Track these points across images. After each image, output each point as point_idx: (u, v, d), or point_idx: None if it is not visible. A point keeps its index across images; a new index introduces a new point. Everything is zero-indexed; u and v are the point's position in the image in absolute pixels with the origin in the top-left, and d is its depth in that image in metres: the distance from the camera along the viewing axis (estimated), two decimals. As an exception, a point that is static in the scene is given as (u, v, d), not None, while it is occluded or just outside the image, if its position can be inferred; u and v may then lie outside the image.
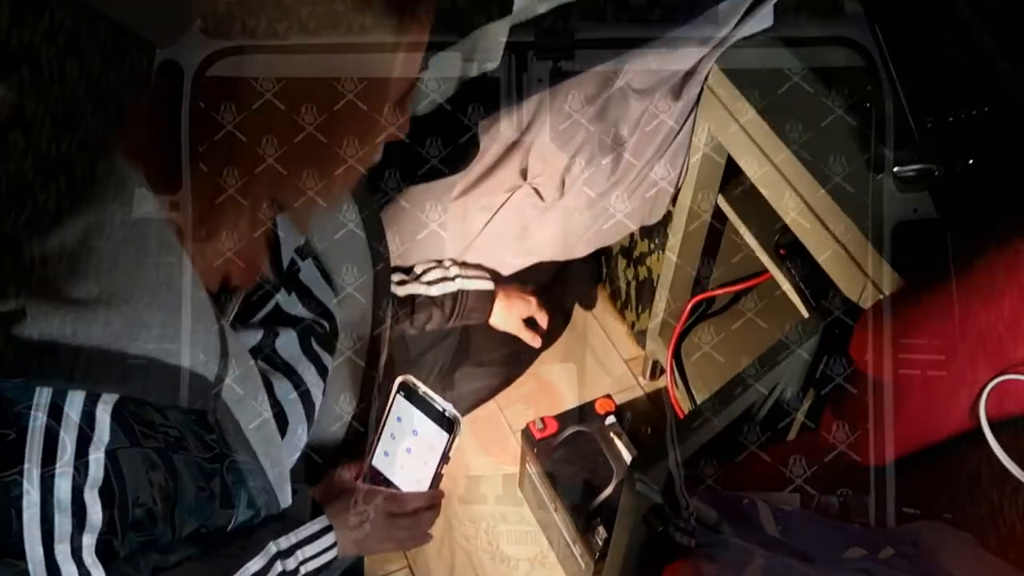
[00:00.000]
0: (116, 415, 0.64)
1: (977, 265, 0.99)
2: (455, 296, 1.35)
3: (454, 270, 1.37)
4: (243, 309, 0.81)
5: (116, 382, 0.63)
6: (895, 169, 1.10)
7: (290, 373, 0.84)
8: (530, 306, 1.49)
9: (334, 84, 0.63)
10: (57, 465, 0.63)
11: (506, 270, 1.46)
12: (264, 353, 0.82)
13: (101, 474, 0.64)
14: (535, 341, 1.50)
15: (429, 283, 1.34)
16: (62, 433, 0.62)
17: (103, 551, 0.65)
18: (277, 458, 0.77)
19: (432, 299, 1.33)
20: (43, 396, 0.62)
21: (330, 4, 0.61)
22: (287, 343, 0.85)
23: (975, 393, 1.03)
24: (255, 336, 0.82)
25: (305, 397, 0.86)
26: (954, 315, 0.98)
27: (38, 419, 0.62)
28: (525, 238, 1.39)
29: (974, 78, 1.17)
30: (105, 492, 0.65)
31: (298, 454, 0.89)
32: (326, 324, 0.91)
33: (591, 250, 1.51)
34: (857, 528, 1.04)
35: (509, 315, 1.44)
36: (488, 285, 1.39)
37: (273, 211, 0.82)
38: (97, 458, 0.64)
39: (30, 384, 0.62)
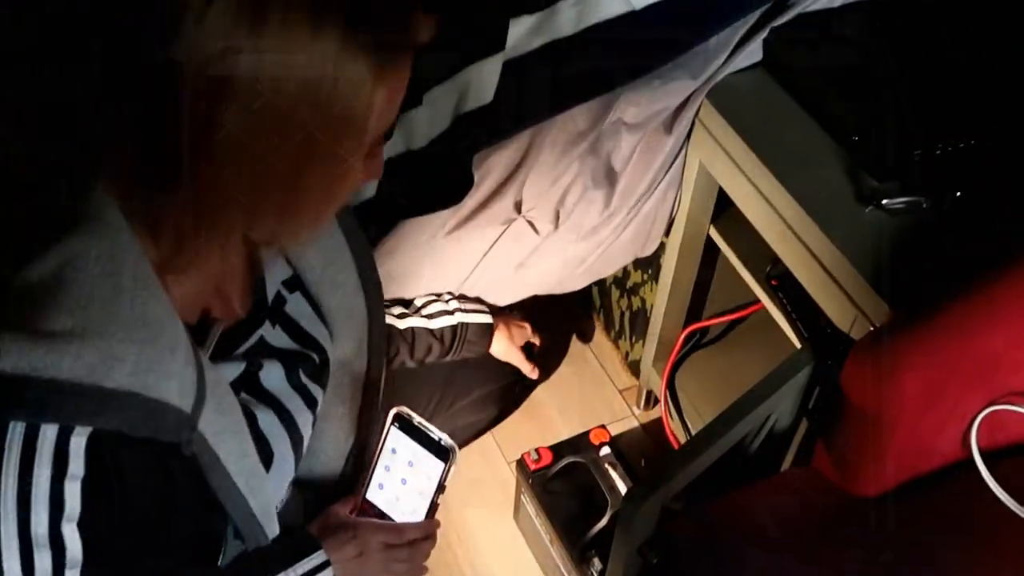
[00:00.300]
0: (91, 447, 0.64)
1: (967, 296, 1.00)
2: (455, 329, 1.36)
3: (453, 304, 1.38)
4: (225, 341, 0.81)
5: (90, 415, 0.63)
6: (884, 201, 1.11)
7: (275, 404, 0.84)
8: (525, 332, 1.50)
9: (307, 124, 0.64)
10: (32, 499, 0.62)
11: (503, 302, 1.47)
12: (247, 385, 0.82)
13: (78, 507, 0.64)
14: (533, 373, 1.52)
15: (429, 316, 1.35)
16: (36, 467, 0.62)
17: None
18: (260, 489, 0.77)
19: (431, 332, 1.34)
20: (16, 430, 0.62)
21: (313, 48, 0.61)
22: (272, 375, 0.85)
23: (966, 423, 1.04)
24: (237, 368, 0.81)
25: (291, 428, 0.85)
26: (945, 346, 0.98)
27: (12, 453, 0.61)
28: (521, 271, 1.40)
29: (960, 111, 1.19)
30: (83, 525, 0.64)
31: (287, 485, 0.89)
32: (315, 356, 0.91)
33: (587, 283, 1.52)
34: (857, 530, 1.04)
35: (509, 345, 1.45)
36: (487, 318, 1.40)
37: (249, 245, 0.82)
38: (73, 491, 0.63)
39: (3, 418, 0.62)
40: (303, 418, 0.88)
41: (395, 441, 0.93)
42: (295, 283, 0.91)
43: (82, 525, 0.64)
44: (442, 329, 1.35)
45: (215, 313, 0.79)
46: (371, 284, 0.96)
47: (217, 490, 0.72)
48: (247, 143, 0.63)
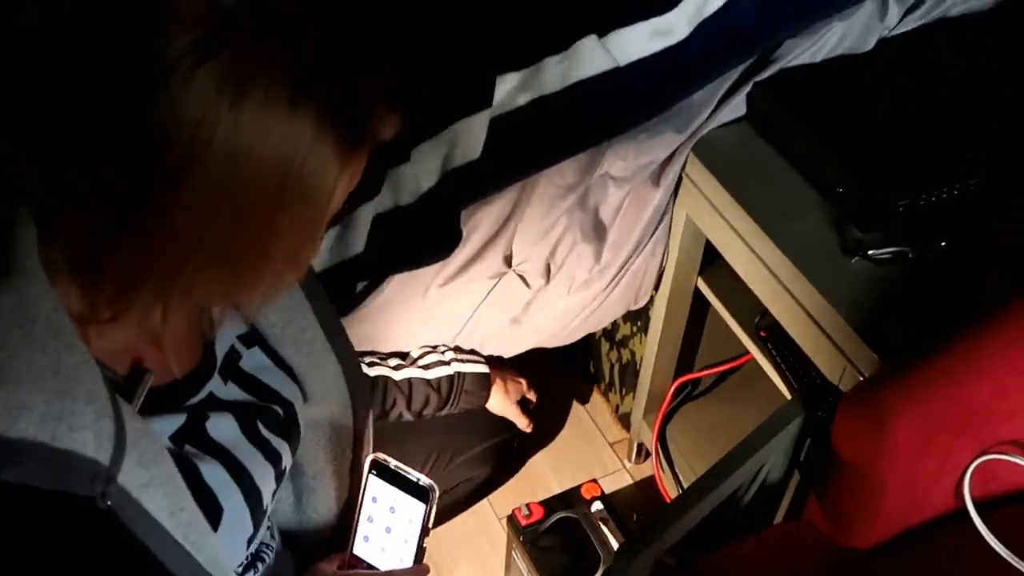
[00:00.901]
0: None
1: (954, 347, 1.01)
2: (451, 379, 1.36)
3: (449, 354, 1.38)
4: (169, 396, 0.79)
5: None
6: (869, 252, 1.12)
7: (223, 456, 0.82)
8: (521, 387, 1.50)
9: (270, 201, 0.64)
10: None
11: (500, 356, 1.47)
12: (191, 437, 0.80)
13: None
14: (528, 427, 1.51)
15: (425, 367, 1.34)
16: None
17: None
18: (204, 544, 0.74)
19: (428, 383, 1.33)
20: None
21: (288, 128, 0.61)
22: (221, 426, 0.82)
23: (959, 473, 1.03)
24: (176, 421, 0.79)
25: (244, 481, 0.82)
26: (934, 397, 0.98)
27: None
28: (515, 325, 1.40)
29: (944, 160, 1.20)
30: None
31: (248, 539, 0.86)
32: (278, 409, 0.89)
33: (579, 336, 1.52)
34: None
35: (505, 399, 1.45)
36: (484, 368, 1.40)
37: (195, 307, 0.82)
38: None
39: None
40: (261, 471, 0.85)
41: (375, 489, 0.92)
42: (253, 338, 0.90)
43: None
44: (439, 379, 1.35)
45: (147, 364, 0.77)
46: (339, 340, 0.95)
47: (150, 545, 0.69)
48: (209, 212, 0.62)
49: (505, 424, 1.49)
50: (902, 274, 1.12)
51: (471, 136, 1.12)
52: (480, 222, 1.22)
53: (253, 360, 0.88)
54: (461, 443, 1.45)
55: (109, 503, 0.66)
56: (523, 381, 1.50)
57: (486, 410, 1.44)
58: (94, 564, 0.68)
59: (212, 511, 0.78)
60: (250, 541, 0.87)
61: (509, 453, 1.57)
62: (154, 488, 0.70)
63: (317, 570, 0.95)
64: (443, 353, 1.38)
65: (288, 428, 0.90)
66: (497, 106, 1.13)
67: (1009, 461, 1.02)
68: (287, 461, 0.90)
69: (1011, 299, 1.03)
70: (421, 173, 1.13)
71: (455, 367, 1.37)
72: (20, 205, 0.64)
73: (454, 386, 1.36)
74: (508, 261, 1.27)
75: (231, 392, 0.85)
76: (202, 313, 0.84)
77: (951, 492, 1.05)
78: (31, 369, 0.63)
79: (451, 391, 1.36)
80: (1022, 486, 1.06)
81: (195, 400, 0.81)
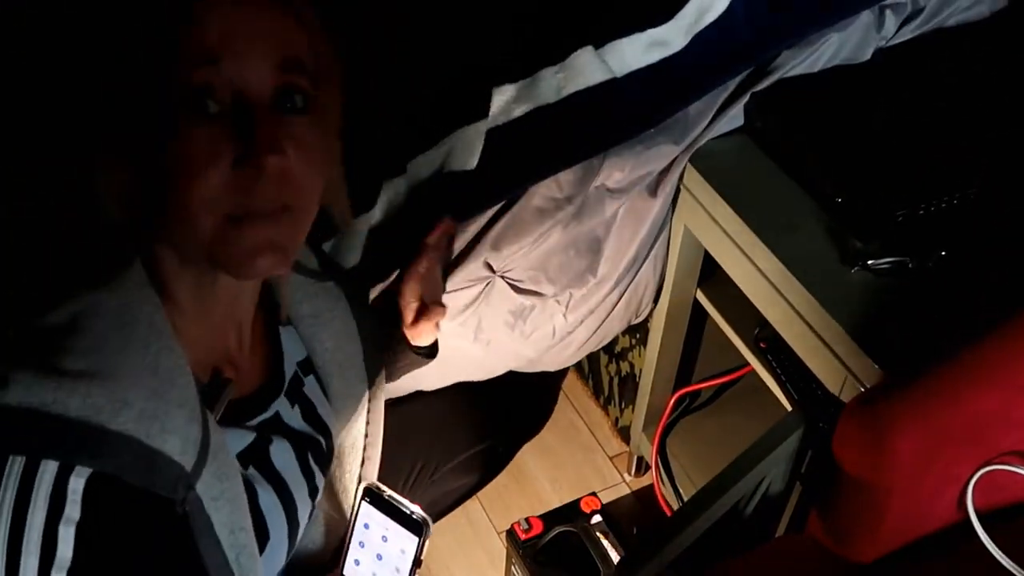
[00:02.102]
0: (89, 490, 0.63)
1: (956, 358, 1.00)
2: None
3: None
4: (240, 411, 0.80)
5: (90, 456, 0.63)
6: (869, 262, 1.12)
7: (279, 485, 0.82)
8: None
9: None
10: (24, 541, 0.61)
11: (499, 371, 1.45)
12: (255, 458, 0.81)
13: (69, 553, 0.62)
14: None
15: None
16: (31, 506, 0.61)
17: None
18: (250, 569, 0.74)
19: None
20: (15, 466, 0.61)
21: None
22: (282, 454, 0.83)
23: (962, 485, 1.02)
24: (246, 438, 0.80)
25: (291, 515, 0.83)
26: (936, 409, 0.98)
27: (8, 490, 0.61)
28: (513, 339, 1.38)
29: (942, 170, 1.20)
30: (74, 573, 0.62)
31: (277, 571, 0.86)
32: (323, 442, 0.90)
33: (580, 357, 1.50)
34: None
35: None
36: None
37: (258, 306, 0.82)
38: (67, 536, 0.62)
39: (4, 452, 0.61)
40: (303, 506, 0.86)
41: (367, 516, 0.91)
42: (309, 366, 0.90)
43: (72, 574, 0.62)
44: None
45: (227, 374, 0.78)
46: (373, 376, 0.96)
47: (206, 560, 0.70)
48: None
49: (487, 431, 1.48)
50: (901, 284, 1.11)
51: (467, 148, 1.12)
52: (459, 229, 1.21)
53: (311, 388, 0.89)
54: (444, 453, 1.43)
55: (187, 509, 0.68)
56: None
57: (467, 419, 1.41)
58: (156, 566, 0.69)
59: (260, 538, 0.79)
60: (279, 573, 0.87)
61: (495, 460, 1.56)
62: (223, 503, 0.71)
63: None
64: None
65: (328, 462, 0.90)
66: (493, 117, 1.12)
67: (1012, 472, 1.01)
68: (320, 497, 0.90)
69: (1015, 310, 1.02)
70: (417, 185, 1.13)
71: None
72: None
73: None
74: (490, 267, 1.26)
75: (295, 418, 0.86)
76: (265, 326, 0.85)
77: (954, 504, 1.04)
78: (133, 366, 0.65)
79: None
80: (1025, 498, 1.05)
81: (263, 418, 0.82)
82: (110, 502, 0.64)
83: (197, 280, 0.73)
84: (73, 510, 0.62)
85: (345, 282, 0.94)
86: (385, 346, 1.09)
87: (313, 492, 0.87)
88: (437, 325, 1.09)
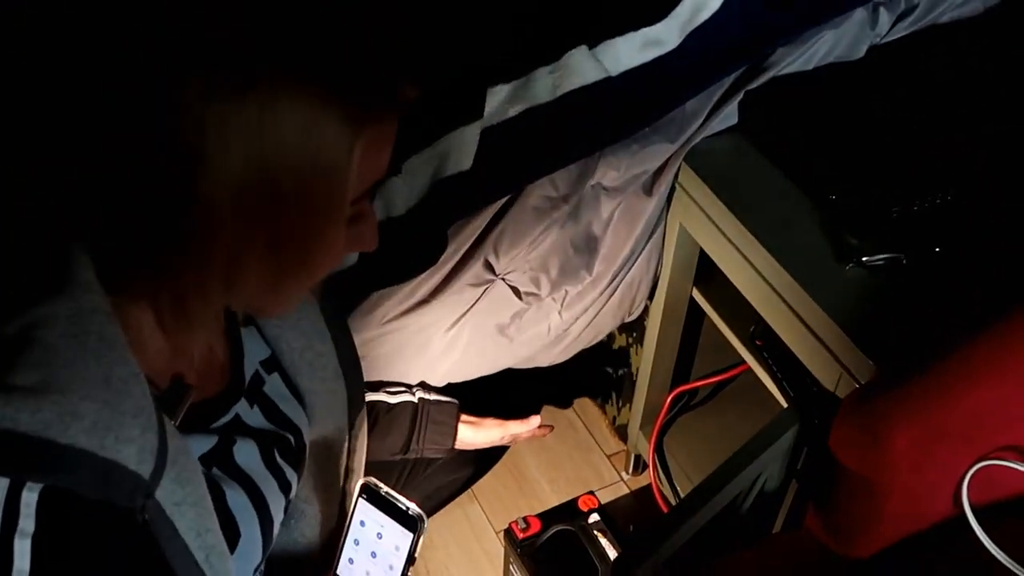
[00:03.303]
0: (43, 503, 0.62)
1: (951, 354, 1.00)
2: (415, 407, 1.30)
3: (418, 391, 1.34)
4: (200, 415, 0.80)
5: (43, 471, 0.62)
6: (863, 259, 1.12)
7: (247, 483, 0.82)
8: (503, 426, 1.40)
9: (287, 188, 0.65)
10: None
11: (486, 371, 1.45)
12: (220, 460, 0.81)
13: (27, 566, 0.62)
14: (531, 430, 1.42)
15: (391, 393, 1.31)
16: None
17: None
18: (221, 569, 0.74)
19: (390, 407, 1.29)
20: None
21: (293, 114, 0.62)
22: (246, 453, 0.83)
23: (957, 480, 1.03)
24: (208, 442, 0.80)
25: (262, 511, 0.83)
26: (931, 405, 0.98)
27: None
28: (503, 338, 1.39)
29: (936, 167, 1.20)
30: None
31: (254, 568, 0.86)
32: (291, 438, 0.89)
33: (573, 353, 1.51)
34: None
35: (478, 431, 1.37)
36: (451, 400, 1.34)
37: (225, 318, 0.82)
38: (23, 548, 0.61)
39: None
40: (275, 502, 0.86)
41: (363, 513, 0.91)
42: (273, 364, 0.90)
43: None
44: (403, 404, 1.30)
45: (188, 379, 0.78)
46: (351, 369, 0.96)
47: (174, 564, 0.70)
48: (224, 216, 0.63)
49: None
50: (896, 280, 1.11)
51: (462, 147, 1.12)
52: (460, 230, 1.21)
53: (273, 387, 0.89)
54: None
55: (147, 517, 0.67)
56: (505, 423, 1.41)
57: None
58: (118, 573, 0.69)
59: (231, 536, 0.79)
60: (256, 569, 0.87)
61: (488, 455, 1.56)
62: (187, 507, 0.70)
63: None
64: (412, 390, 1.34)
65: (299, 458, 0.90)
66: (488, 117, 1.13)
67: (1008, 467, 1.01)
68: (295, 491, 0.91)
69: (1010, 306, 1.02)
70: (412, 186, 1.13)
71: (419, 394, 1.32)
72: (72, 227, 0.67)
73: (419, 413, 1.30)
74: (492, 269, 1.26)
75: (255, 418, 0.86)
76: (229, 336, 0.85)
77: (950, 500, 1.04)
78: (85, 378, 0.64)
79: (415, 418, 1.30)
80: (1021, 492, 1.05)
81: (223, 421, 0.82)
82: (65, 514, 0.63)
83: (170, 307, 0.72)
84: (27, 523, 0.62)
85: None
86: (428, 433, 1.27)
87: (284, 487, 0.87)
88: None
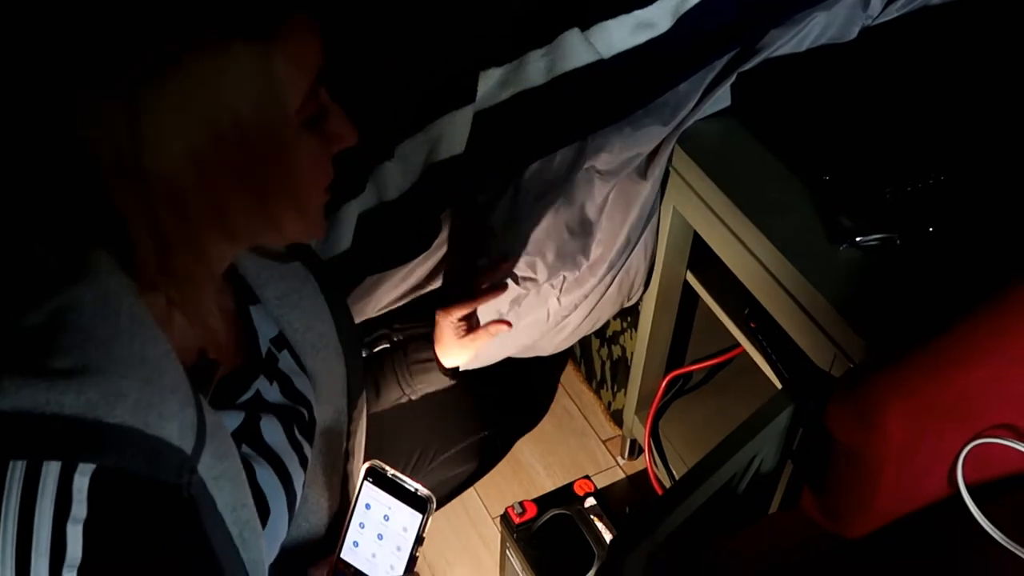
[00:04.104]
0: (94, 487, 0.63)
1: (944, 333, 1.00)
2: (392, 359, 1.23)
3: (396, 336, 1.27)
4: (224, 392, 0.80)
5: (92, 452, 0.62)
6: (857, 239, 1.12)
7: (274, 460, 0.83)
8: (449, 314, 1.24)
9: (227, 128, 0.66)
10: (33, 545, 0.61)
11: (486, 361, 1.45)
12: (248, 437, 0.81)
13: (79, 552, 0.62)
14: (502, 328, 1.30)
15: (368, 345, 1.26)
16: (37, 509, 0.61)
17: None
18: (254, 544, 0.75)
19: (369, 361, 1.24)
20: (17, 470, 0.61)
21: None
22: (271, 429, 0.84)
23: (952, 459, 1.03)
24: (237, 418, 0.81)
25: (288, 487, 0.84)
26: (925, 384, 0.98)
27: (12, 495, 0.61)
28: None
29: (929, 147, 1.20)
30: (85, 571, 0.63)
31: (279, 546, 0.87)
32: (305, 413, 0.90)
33: (573, 342, 1.50)
34: None
35: (456, 335, 1.23)
36: (423, 329, 1.25)
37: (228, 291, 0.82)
38: (75, 535, 0.62)
39: (3, 458, 0.61)
40: (298, 477, 0.87)
41: (369, 496, 0.91)
42: (282, 342, 0.91)
43: (83, 572, 0.62)
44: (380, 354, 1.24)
45: (211, 353, 0.78)
46: (351, 351, 0.96)
47: (212, 540, 0.71)
48: (181, 178, 0.66)
49: (485, 420, 1.48)
50: (889, 261, 1.12)
51: (455, 132, 1.12)
52: (454, 218, 1.21)
53: (286, 363, 0.90)
54: (442, 442, 1.43)
55: (192, 492, 0.68)
56: (446, 311, 1.24)
57: (465, 407, 1.42)
58: (168, 553, 0.69)
59: (261, 512, 0.80)
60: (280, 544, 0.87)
61: (492, 449, 1.56)
62: (224, 481, 0.71)
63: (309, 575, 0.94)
64: (391, 333, 1.27)
65: (313, 432, 0.91)
66: (480, 101, 1.12)
67: (1002, 445, 1.01)
68: (309, 469, 0.91)
69: (1003, 285, 1.03)
70: (405, 170, 1.13)
71: (396, 337, 1.25)
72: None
73: (395, 364, 1.22)
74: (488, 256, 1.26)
75: (274, 394, 0.86)
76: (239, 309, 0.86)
77: (945, 478, 1.04)
78: (121, 357, 0.65)
79: (395, 369, 1.22)
80: (1015, 470, 1.06)
81: (246, 398, 0.83)
82: (116, 496, 0.64)
83: (187, 265, 0.73)
84: (80, 509, 0.62)
85: (311, 262, 0.94)
86: (410, 367, 1.19)
87: (304, 462, 0.88)
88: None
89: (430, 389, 1.24)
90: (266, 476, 0.81)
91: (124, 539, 0.65)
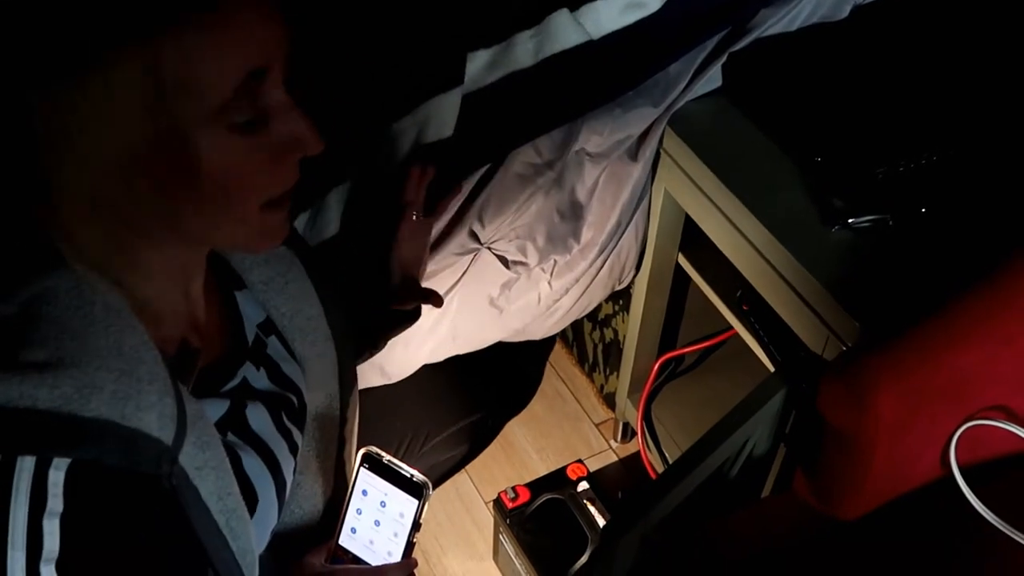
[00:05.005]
0: (70, 480, 0.62)
1: (936, 314, 1.00)
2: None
3: None
4: (208, 380, 0.79)
5: (68, 445, 0.61)
6: (849, 220, 1.11)
7: (260, 447, 0.82)
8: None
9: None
10: (9, 540, 0.60)
11: (477, 345, 1.44)
12: (234, 425, 0.81)
13: (56, 546, 0.61)
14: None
15: None
16: (12, 503, 0.60)
17: None
18: (242, 533, 0.74)
19: None
20: None
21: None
22: (258, 417, 0.83)
23: (944, 441, 1.03)
24: (221, 407, 0.80)
25: (277, 474, 0.83)
26: (917, 365, 0.98)
27: None
28: (493, 309, 1.38)
29: (921, 128, 1.20)
30: (62, 566, 0.62)
31: (268, 535, 0.86)
32: (294, 399, 0.89)
33: (565, 325, 1.50)
34: None
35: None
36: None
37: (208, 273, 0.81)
38: (51, 529, 0.61)
39: None
40: (287, 464, 0.86)
41: (365, 482, 0.91)
42: (270, 327, 0.90)
43: (61, 565, 0.62)
44: None
45: (193, 343, 0.77)
46: (340, 334, 0.95)
47: (198, 529, 0.70)
48: (105, 182, 0.64)
49: (475, 404, 1.47)
50: (882, 242, 1.11)
51: (443, 114, 1.11)
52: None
53: (274, 348, 0.89)
54: (433, 425, 1.43)
55: (173, 483, 0.67)
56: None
57: (455, 391, 1.40)
58: (150, 544, 0.68)
59: (249, 501, 0.79)
60: (271, 532, 0.87)
61: (484, 432, 1.56)
62: (208, 471, 0.70)
63: (305, 564, 0.94)
64: None
65: (303, 419, 0.90)
66: (468, 83, 1.11)
67: (994, 426, 1.01)
68: (302, 457, 0.90)
69: (995, 266, 1.02)
70: (394, 153, 1.12)
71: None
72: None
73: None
74: (477, 238, 1.25)
75: (261, 380, 0.85)
76: (221, 296, 0.84)
77: (937, 460, 1.04)
78: (97, 349, 0.64)
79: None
80: (1007, 452, 1.06)
81: (232, 385, 0.82)
82: (93, 489, 0.63)
83: (142, 255, 0.71)
84: (56, 503, 0.61)
85: (298, 246, 0.93)
86: (372, 312, 1.10)
87: (293, 449, 0.87)
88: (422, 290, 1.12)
89: (397, 333, 1.17)
90: (253, 464, 0.81)
91: (103, 532, 0.65)
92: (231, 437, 0.80)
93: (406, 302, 1.12)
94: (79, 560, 0.62)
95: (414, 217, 1.09)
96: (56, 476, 0.61)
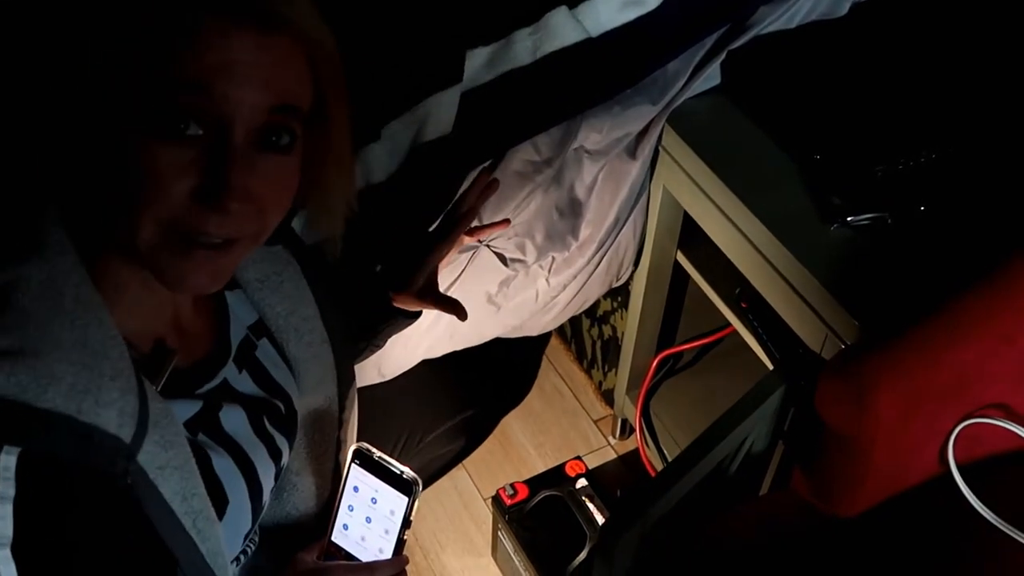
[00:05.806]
0: (22, 467, 0.61)
1: (935, 312, 1.00)
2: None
3: None
4: (185, 381, 0.79)
5: (18, 436, 0.61)
6: (848, 218, 1.11)
7: (233, 449, 0.81)
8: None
9: None
10: None
11: (475, 341, 1.44)
12: (205, 426, 0.80)
13: (9, 531, 0.61)
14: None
15: None
16: None
17: None
18: (210, 534, 0.73)
19: None
20: None
21: None
22: (233, 419, 0.82)
23: (943, 439, 1.03)
24: (192, 407, 0.79)
25: (250, 476, 0.82)
26: (916, 363, 0.98)
27: None
28: (491, 306, 1.38)
29: (920, 126, 1.20)
30: (18, 550, 0.61)
31: (244, 535, 0.86)
32: (281, 406, 0.89)
33: (562, 321, 1.50)
34: None
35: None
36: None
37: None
38: (4, 512, 0.61)
39: None
40: (264, 468, 0.85)
41: (357, 478, 0.91)
42: (262, 329, 0.89)
43: (16, 550, 0.62)
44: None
45: (171, 343, 0.77)
46: (336, 335, 0.95)
47: (160, 529, 0.69)
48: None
49: (471, 399, 1.47)
50: (881, 240, 1.11)
51: (442, 112, 1.10)
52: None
53: (264, 352, 0.88)
54: (429, 422, 1.43)
55: (129, 481, 0.66)
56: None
57: (451, 387, 1.40)
58: (106, 540, 0.68)
59: (219, 502, 0.78)
60: (246, 536, 0.86)
61: (480, 427, 1.56)
62: (170, 471, 0.70)
63: (298, 560, 0.94)
64: None
65: (289, 425, 0.89)
66: (468, 81, 1.11)
67: (992, 424, 1.01)
68: (286, 459, 0.90)
69: (994, 264, 1.02)
70: (392, 152, 1.11)
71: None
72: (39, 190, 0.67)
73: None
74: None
75: (244, 383, 0.85)
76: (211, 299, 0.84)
77: (936, 458, 1.04)
78: (60, 341, 0.63)
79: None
80: (1005, 450, 1.06)
81: (210, 386, 0.81)
82: (45, 478, 0.63)
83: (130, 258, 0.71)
84: (7, 488, 0.61)
85: (293, 245, 0.93)
86: (371, 311, 1.10)
87: (275, 454, 0.86)
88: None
89: (396, 332, 1.16)
90: (224, 465, 0.80)
91: (56, 521, 0.64)
92: (202, 437, 0.79)
93: (427, 305, 1.11)
94: (32, 546, 0.62)
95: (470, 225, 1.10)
96: (7, 461, 0.61)
